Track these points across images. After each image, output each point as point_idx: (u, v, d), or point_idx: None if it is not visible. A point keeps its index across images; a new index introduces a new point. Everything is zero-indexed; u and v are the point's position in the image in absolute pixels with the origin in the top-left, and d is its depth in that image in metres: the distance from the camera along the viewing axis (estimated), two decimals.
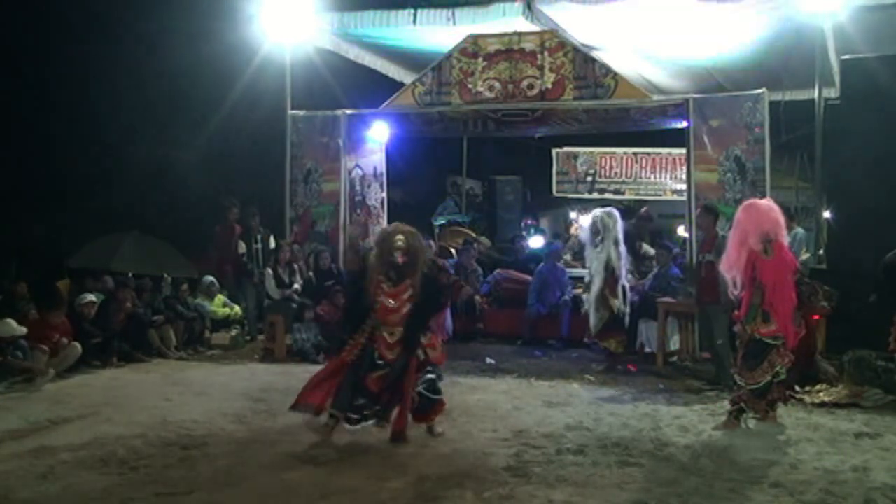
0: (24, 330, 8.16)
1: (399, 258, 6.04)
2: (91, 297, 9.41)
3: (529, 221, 14.62)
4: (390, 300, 6.05)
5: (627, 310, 9.09)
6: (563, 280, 10.86)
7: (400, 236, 6.08)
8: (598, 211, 9.51)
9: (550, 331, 10.62)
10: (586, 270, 9.38)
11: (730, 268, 6.37)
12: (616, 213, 9.30)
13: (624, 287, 9.06)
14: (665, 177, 15.10)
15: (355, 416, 5.95)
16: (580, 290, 10.00)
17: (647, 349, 9.69)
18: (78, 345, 8.68)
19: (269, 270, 10.87)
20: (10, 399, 7.52)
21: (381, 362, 6.03)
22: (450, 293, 6.49)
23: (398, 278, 6.08)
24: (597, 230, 9.06)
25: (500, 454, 5.72)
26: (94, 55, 14.07)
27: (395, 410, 6.06)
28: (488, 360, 9.47)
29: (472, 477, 5.24)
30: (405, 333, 6.06)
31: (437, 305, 6.52)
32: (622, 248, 9.07)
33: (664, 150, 14.85)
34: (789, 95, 11.93)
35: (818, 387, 7.57)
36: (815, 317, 7.62)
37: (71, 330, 8.73)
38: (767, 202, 6.75)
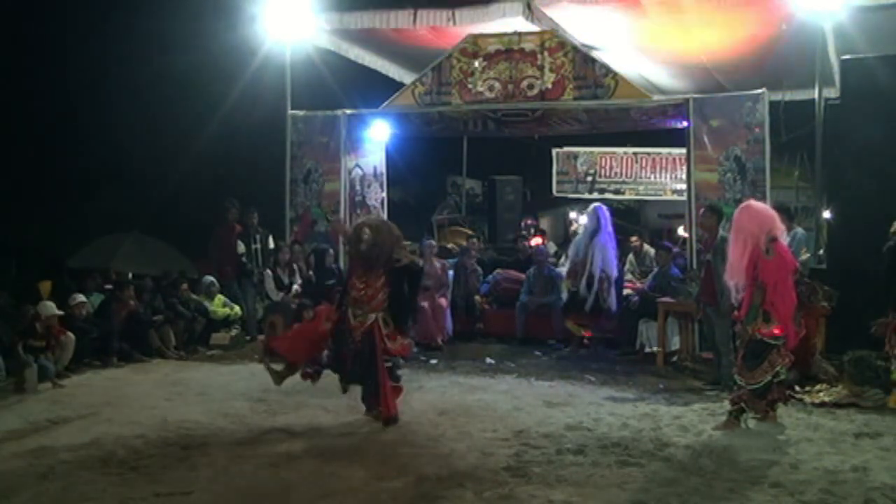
0: (60, 312, 8.49)
1: (363, 248, 6.53)
2: (81, 298, 9.35)
3: (529, 221, 14.60)
4: (360, 285, 6.59)
5: (590, 296, 9.46)
6: (556, 280, 10.78)
7: (366, 229, 6.60)
8: (596, 205, 10.03)
9: (547, 331, 10.60)
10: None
11: (734, 274, 6.29)
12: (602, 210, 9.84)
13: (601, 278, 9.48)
14: (665, 177, 15.09)
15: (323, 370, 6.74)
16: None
17: (648, 349, 9.67)
18: (71, 334, 8.68)
19: (269, 272, 10.87)
20: (10, 399, 7.53)
21: (349, 339, 6.59)
22: (418, 280, 7.12)
23: (368, 266, 6.59)
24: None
25: (500, 454, 5.72)
26: (94, 55, 14.09)
27: (373, 393, 6.57)
28: (488, 360, 9.46)
29: (472, 477, 5.23)
30: (390, 318, 6.61)
31: (406, 294, 6.85)
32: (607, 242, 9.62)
33: (664, 150, 14.84)
34: (789, 95, 11.92)
35: (818, 387, 7.57)
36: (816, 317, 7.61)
37: (64, 329, 8.70)
38: (760, 202, 6.75)
